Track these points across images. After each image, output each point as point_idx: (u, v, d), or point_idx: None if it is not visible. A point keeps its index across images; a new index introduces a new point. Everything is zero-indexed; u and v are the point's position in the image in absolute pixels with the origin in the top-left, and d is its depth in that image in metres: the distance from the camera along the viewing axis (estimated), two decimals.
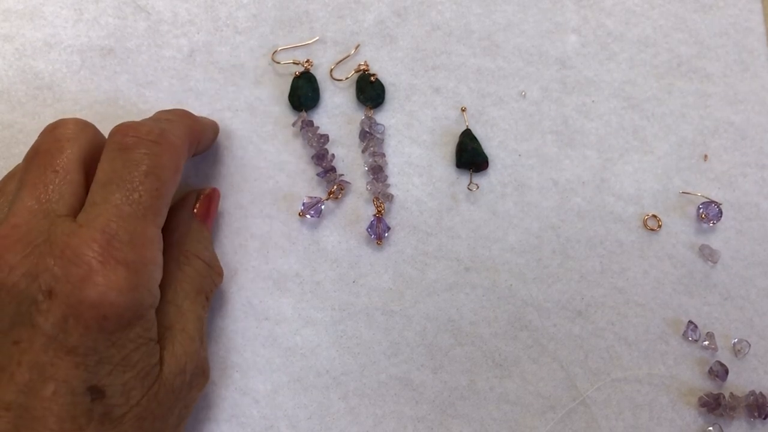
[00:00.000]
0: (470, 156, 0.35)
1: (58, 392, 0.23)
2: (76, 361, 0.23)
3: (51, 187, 0.26)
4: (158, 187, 0.26)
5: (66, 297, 0.23)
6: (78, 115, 0.36)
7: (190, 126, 0.31)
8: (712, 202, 0.35)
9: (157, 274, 0.26)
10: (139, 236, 0.25)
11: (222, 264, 0.34)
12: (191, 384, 0.28)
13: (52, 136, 0.27)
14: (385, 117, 0.37)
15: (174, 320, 0.28)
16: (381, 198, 0.35)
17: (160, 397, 0.26)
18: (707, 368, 0.33)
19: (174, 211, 0.31)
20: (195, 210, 0.32)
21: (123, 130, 0.27)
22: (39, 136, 0.28)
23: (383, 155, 0.36)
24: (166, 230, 0.29)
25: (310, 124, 0.36)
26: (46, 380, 0.23)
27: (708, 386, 0.33)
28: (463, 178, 0.36)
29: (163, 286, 0.28)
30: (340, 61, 0.38)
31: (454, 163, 0.36)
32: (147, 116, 0.36)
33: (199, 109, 0.36)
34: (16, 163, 0.31)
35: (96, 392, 0.24)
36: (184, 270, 0.29)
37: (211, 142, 0.35)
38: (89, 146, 0.28)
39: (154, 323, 0.26)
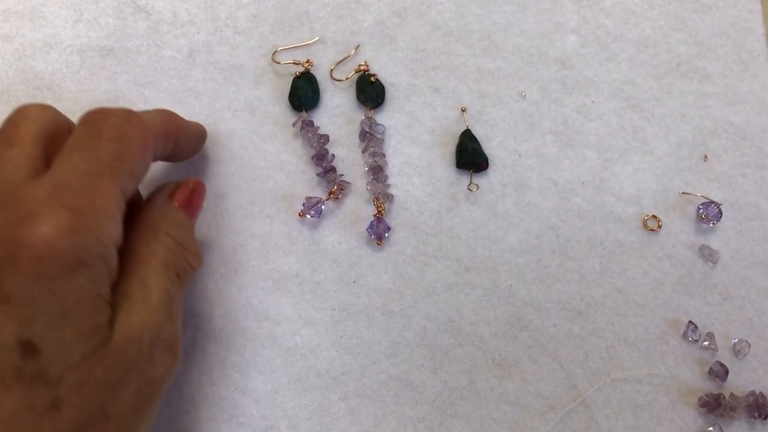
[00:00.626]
0: (470, 156, 0.35)
1: None
2: (9, 312, 0.22)
3: (8, 161, 0.25)
4: (120, 150, 0.26)
5: (2, 241, 0.22)
6: (77, 116, 0.36)
7: (166, 118, 0.30)
8: (712, 202, 0.35)
9: (111, 228, 0.24)
10: (90, 187, 0.24)
11: (222, 264, 0.34)
12: (152, 358, 0.25)
13: (11, 118, 0.27)
14: (385, 117, 0.37)
15: (135, 290, 0.26)
16: (381, 198, 0.35)
17: (107, 364, 0.23)
18: (707, 368, 0.33)
19: (150, 196, 0.30)
20: (174, 197, 0.30)
21: (92, 109, 0.27)
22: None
23: (383, 155, 0.36)
24: (140, 214, 0.29)
25: (310, 124, 0.36)
26: None
27: (708, 386, 0.33)
28: (463, 179, 0.36)
29: (127, 261, 0.27)
30: (340, 61, 0.38)
31: (454, 163, 0.36)
32: None
33: (199, 109, 0.36)
34: None
35: (29, 348, 0.22)
36: (151, 246, 0.28)
37: (193, 144, 0.34)
38: (50, 124, 0.27)
39: (104, 278, 0.24)
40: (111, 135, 0.26)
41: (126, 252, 0.27)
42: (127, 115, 0.27)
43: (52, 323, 0.22)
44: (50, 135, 0.27)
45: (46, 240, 0.22)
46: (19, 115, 0.27)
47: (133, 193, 0.28)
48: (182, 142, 0.32)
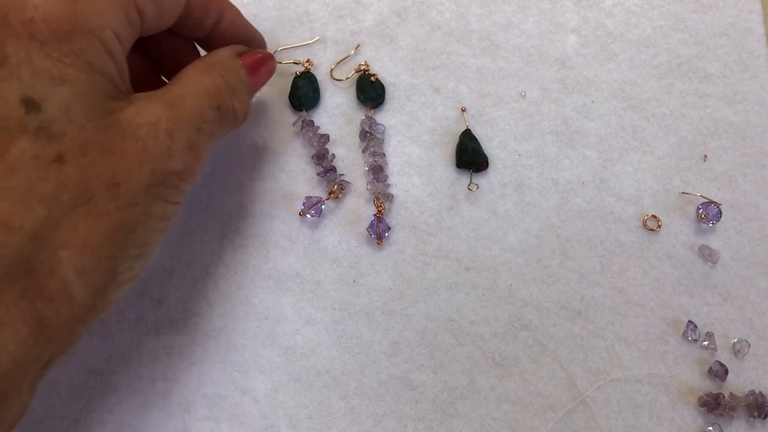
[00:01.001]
0: (470, 156, 0.35)
1: None
2: (9, 72, 0.23)
3: None
4: None
5: None
6: None
7: None
8: (712, 202, 0.35)
9: (107, 11, 0.25)
10: None
11: (222, 263, 0.34)
12: (171, 150, 0.25)
13: None
14: (385, 117, 0.37)
15: (166, 96, 0.26)
16: (381, 198, 0.35)
17: (114, 135, 0.24)
18: (707, 368, 0.33)
19: (216, 51, 0.31)
20: (241, 59, 0.31)
21: None
22: None
23: (383, 155, 0.36)
24: (201, 58, 0.29)
25: (311, 123, 0.36)
26: None
27: (708, 386, 0.33)
28: (463, 178, 0.36)
29: (171, 84, 0.28)
30: (341, 61, 0.38)
31: (454, 163, 0.36)
32: None
33: None
34: None
35: (31, 105, 0.23)
36: (201, 76, 0.28)
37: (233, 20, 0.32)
38: None
39: (99, 53, 0.24)
40: None
41: (180, 75, 0.28)
42: None
43: (51, 83, 0.23)
44: None
45: (35, 3, 0.23)
46: None
47: (155, 17, 0.27)
48: (229, 26, 0.31)
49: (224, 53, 0.30)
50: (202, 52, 0.33)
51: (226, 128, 0.29)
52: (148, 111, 0.25)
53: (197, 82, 0.28)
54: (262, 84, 0.32)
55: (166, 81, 0.33)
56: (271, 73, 0.33)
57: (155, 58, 0.32)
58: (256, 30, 0.33)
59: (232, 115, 0.29)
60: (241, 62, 0.31)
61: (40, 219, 0.22)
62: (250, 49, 0.32)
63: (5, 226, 0.22)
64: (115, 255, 0.24)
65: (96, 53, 0.24)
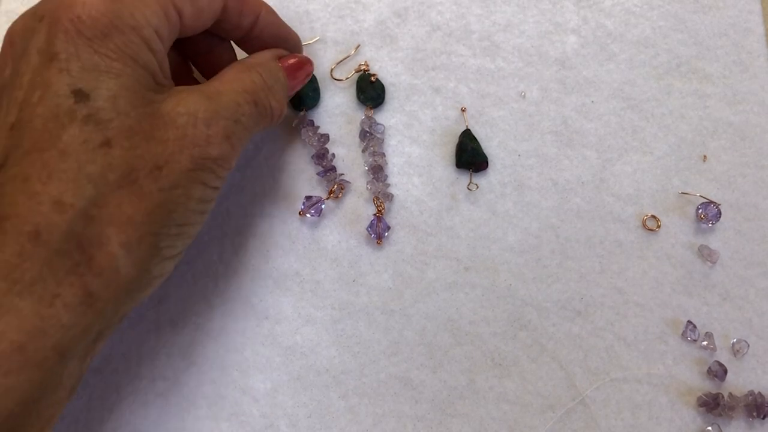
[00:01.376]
0: (470, 156, 0.36)
1: (43, 96, 0.24)
2: (59, 67, 0.24)
3: None
4: None
5: (49, 11, 0.25)
6: None
7: None
8: (711, 202, 0.35)
9: (147, 9, 0.27)
10: None
11: (222, 263, 0.34)
12: (209, 138, 0.27)
13: None
14: (385, 117, 0.37)
15: (204, 90, 0.28)
16: (381, 197, 0.35)
17: (156, 123, 0.26)
18: (706, 368, 0.33)
19: (257, 53, 0.32)
20: (282, 61, 0.33)
21: None
22: None
23: (383, 155, 0.36)
24: (243, 61, 0.31)
25: (311, 123, 0.36)
26: (35, 88, 0.24)
27: (707, 386, 0.33)
28: (463, 178, 0.36)
29: (218, 77, 0.29)
30: (341, 61, 0.38)
31: (454, 163, 0.36)
32: None
33: None
34: None
35: (80, 95, 0.24)
36: (240, 75, 0.30)
37: (272, 21, 0.33)
38: None
39: (141, 49, 0.26)
40: None
41: (222, 73, 0.30)
42: None
43: (99, 76, 0.25)
44: None
45: (82, 1, 0.25)
46: None
47: (193, 17, 0.29)
48: (266, 26, 0.32)
49: (265, 56, 0.32)
50: (240, 54, 0.34)
51: (262, 124, 0.31)
52: (188, 102, 0.27)
53: (236, 79, 0.29)
54: (300, 86, 0.34)
55: (204, 80, 0.34)
56: (308, 76, 0.34)
57: (194, 58, 0.34)
58: (291, 30, 0.35)
59: (269, 111, 0.31)
60: (280, 65, 0.32)
61: (88, 197, 0.24)
62: (290, 53, 0.34)
63: (58, 204, 0.23)
64: (158, 231, 0.26)
65: (138, 49, 0.26)
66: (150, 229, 0.25)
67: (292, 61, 0.33)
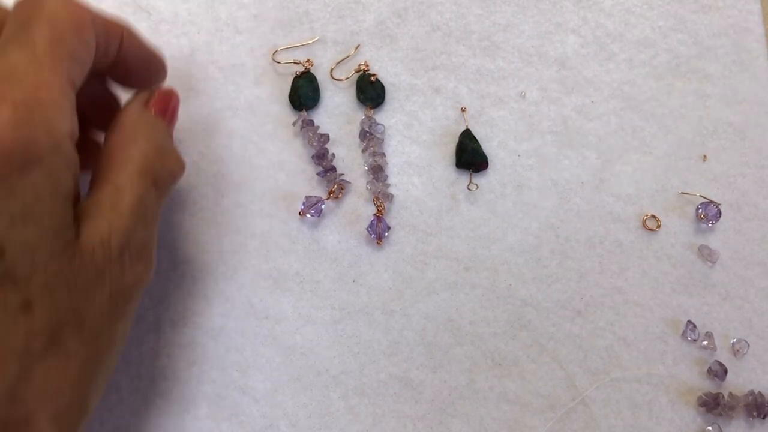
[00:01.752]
0: (470, 156, 0.36)
1: None
2: None
3: None
4: (55, 34, 0.24)
5: None
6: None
7: (108, 16, 0.28)
8: (711, 202, 0.35)
9: (60, 119, 0.23)
10: (31, 78, 0.23)
11: (222, 263, 0.34)
12: (123, 265, 0.25)
13: None
14: (385, 117, 0.37)
15: (106, 197, 0.25)
16: (381, 198, 0.35)
17: (76, 266, 0.23)
18: (706, 368, 0.33)
19: (125, 105, 0.29)
20: (151, 105, 0.29)
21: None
22: None
23: (383, 155, 0.36)
24: (116, 120, 0.28)
25: (311, 123, 0.36)
26: None
27: (707, 386, 0.33)
28: (463, 178, 0.36)
29: (102, 167, 0.26)
30: (341, 61, 0.38)
31: (454, 163, 0.36)
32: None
33: (199, 108, 0.36)
34: None
35: None
36: (127, 151, 0.27)
37: (144, 60, 0.30)
38: None
39: (62, 173, 0.23)
40: (43, 19, 0.24)
41: (101, 158, 0.26)
42: None
43: (14, 223, 0.21)
44: None
45: None
46: None
47: (82, 81, 0.26)
48: (130, 48, 0.29)
49: (134, 109, 0.29)
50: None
51: (168, 194, 0.29)
52: (99, 225, 0.24)
53: (127, 160, 0.26)
54: (176, 120, 0.31)
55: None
56: (178, 106, 0.31)
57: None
58: (154, 50, 0.31)
59: (170, 179, 0.28)
60: (153, 111, 0.29)
61: (13, 376, 0.21)
62: (151, 89, 0.30)
63: None
64: (87, 392, 0.24)
65: (59, 175, 0.23)
66: (79, 392, 0.23)
67: (160, 100, 0.30)
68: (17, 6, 0.25)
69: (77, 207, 0.25)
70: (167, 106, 0.30)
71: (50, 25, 0.24)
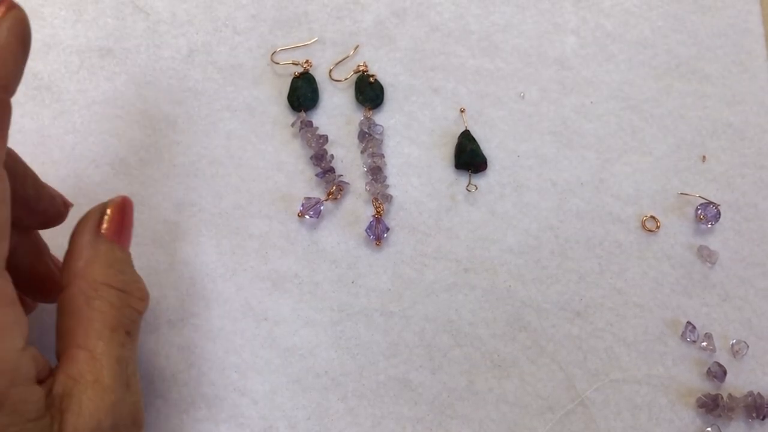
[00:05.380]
0: (469, 157, 0.35)
1: None
2: None
3: None
4: None
5: None
6: (76, 116, 0.36)
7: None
8: (711, 203, 0.35)
9: (9, 338, 0.21)
10: None
11: (221, 264, 0.34)
12: None
13: None
14: (384, 118, 0.37)
15: (84, 369, 0.24)
16: (380, 199, 0.35)
17: None
18: (705, 369, 0.33)
19: (74, 236, 0.26)
20: (103, 229, 0.26)
21: None
22: None
23: (382, 156, 0.36)
24: (67, 260, 0.25)
25: (309, 124, 0.36)
26: None
27: (706, 387, 0.33)
28: (462, 179, 0.36)
29: (71, 329, 0.24)
30: (340, 61, 0.38)
31: (453, 163, 0.36)
32: (146, 115, 0.37)
33: (197, 109, 0.36)
34: None
35: None
36: (93, 305, 0.25)
37: (46, 199, 0.28)
38: None
39: (29, 399, 0.22)
40: None
41: (66, 314, 0.25)
42: None
43: None
44: None
45: None
46: None
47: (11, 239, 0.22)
48: (25, 179, 0.26)
49: (86, 242, 0.26)
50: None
51: (138, 334, 0.27)
52: (87, 414, 0.23)
53: (93, 318, 0.24)
54: (131, 231, 0.28)
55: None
56: (132, 213, 0.28)
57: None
58: (48, 186, 0.28)
59: (139, 319, 0.26)
60: (106, 238, 0.26)
61: None
62: (97, 209, 0.27)
63: None
64: None
65: (25, 404, 0.21)
66: None
67: (113, 222, 0.27)
68: None
69: (55, 383, 0.23)
70: (122, 225, 0.27)
71: None
